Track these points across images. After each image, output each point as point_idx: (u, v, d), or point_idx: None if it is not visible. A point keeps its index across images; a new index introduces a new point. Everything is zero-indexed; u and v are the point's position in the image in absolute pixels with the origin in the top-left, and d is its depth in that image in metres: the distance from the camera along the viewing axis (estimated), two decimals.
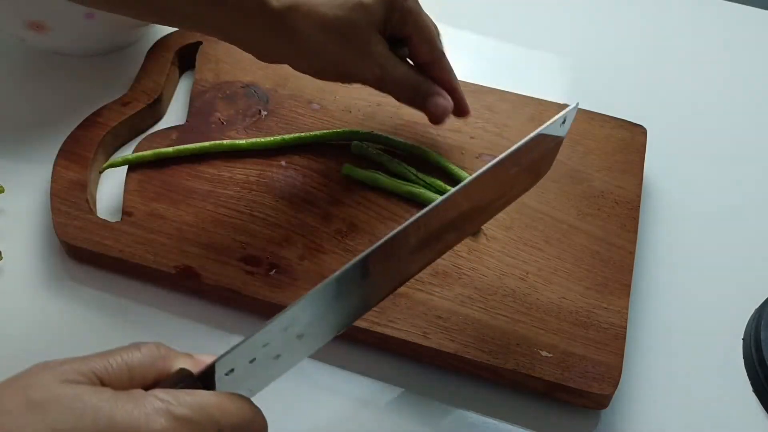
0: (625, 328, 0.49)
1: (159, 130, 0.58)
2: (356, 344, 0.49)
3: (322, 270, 0.51)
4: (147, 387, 0.33)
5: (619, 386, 0.46)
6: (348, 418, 0.47)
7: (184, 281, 0.50)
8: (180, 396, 0.32)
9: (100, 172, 0.56)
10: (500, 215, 0.54)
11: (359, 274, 0.38)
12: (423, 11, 0.52)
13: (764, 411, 0.48)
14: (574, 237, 0.53)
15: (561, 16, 0.74)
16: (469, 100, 0.61)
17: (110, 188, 0.56)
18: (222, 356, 0.34)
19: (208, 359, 0.34)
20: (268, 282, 0.50)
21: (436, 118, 0.54)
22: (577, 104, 0.46)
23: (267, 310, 0.50)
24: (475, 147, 0.58)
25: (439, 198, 0.40)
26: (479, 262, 0.51)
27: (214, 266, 0.50)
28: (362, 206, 0.54)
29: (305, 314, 0.37)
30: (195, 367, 0.34)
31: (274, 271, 0.50)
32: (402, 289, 0.50)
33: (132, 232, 0.52)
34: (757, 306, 0.53)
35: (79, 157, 0.55)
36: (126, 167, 0.56)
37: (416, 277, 0.50)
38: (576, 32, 0.73)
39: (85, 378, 0.32)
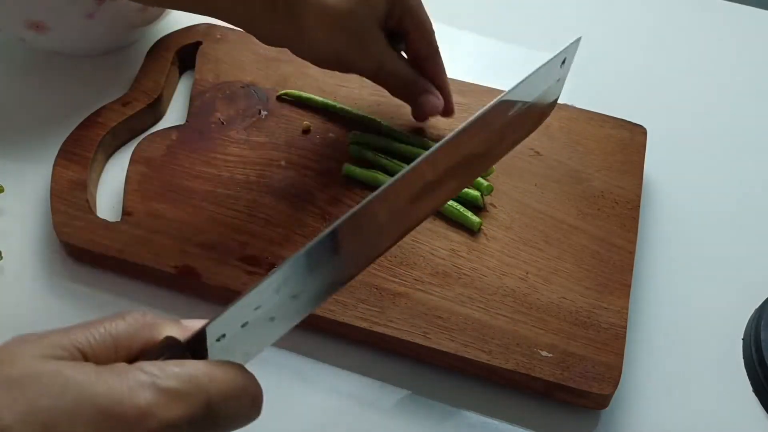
0: (625, 328, 0.49)
1: (159, 130, 0.58)
2: (356, 344, 0.49)
3: None
4: (133, 358, 0.32)
5: (619, 386, 0.46)
6: (348, 418, 0.47)
7: (184, 281, 0.50)
8: (166, 367, 0.30)
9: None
10: (500, 215, 0.54)
11: (358, 225, 0.36)
12: (422, 7, 0.53)
13: (764, 411, 0.48)
14: (574, 237, 0.53)
15: (561, 16, 0.74)
16: (469, 100, 0.61)
17: (110, 188, 0.56)
18: (211, 321, 0.32)
19: (197, 325, 0.33)
20: None
21: (423, 115, 0.56)
22: (579, 38, 0.45)
23: None
24: None
25: (449, 135, 0.39)
26: (479, 262, 0.51)
27: (214, 266, 0.50)
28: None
29: (298, 273, 0.34)
30: (183, 334, 0.33)
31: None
32: (402, 288, 0.50)
33: (132, 232, 0.52)
34: (757, 306, 0.53)
35: (79, 157, 0.55)
36: (126, 167, 0.56)
37: (416, 277, 0.50)
38: (576, 32, 0.73)
39: (66, 352, 0.30)
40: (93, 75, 0.63)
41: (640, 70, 0.69)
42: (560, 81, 0.48)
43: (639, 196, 0.56)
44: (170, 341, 0.32)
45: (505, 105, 0.42)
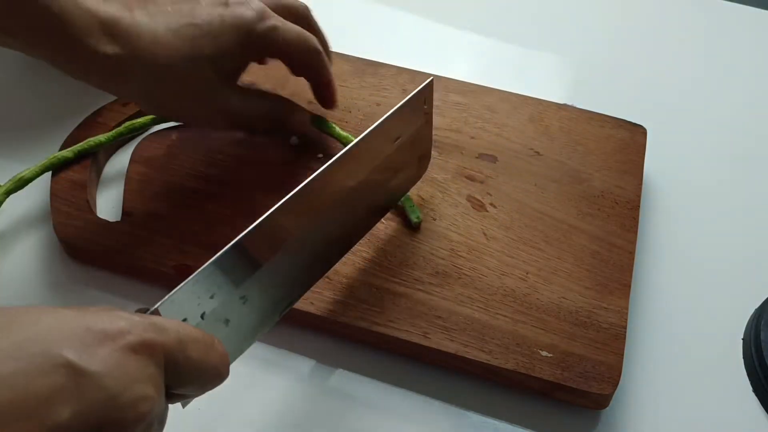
0: (625, 328, 0.49)
1: (159, 130, 0.59)
2: (356, 344, 0.49)
3: None
4: None
5: (619, 386, 0.46)
6: (348, 418, 0.47)
7: (183, 281, 0.50)
8: (143, 314, 0.34)
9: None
10: (500, 215, 0.54)
11: (241, 262, 0.40)
12: (285, 28, 0.49)
13: (764, 411, 0.48)
14: (574, 237, 0.53)
15: (561, 16, 0.74)
16: (469, 100, 0.61)
17: (110, 188, 0.56)
18: (165, 299, 0.36)
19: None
20: None
21: (296, 132, 0.56)
22: (432, 79, 0.48)
23: None
24: (475, 147, 0.58)
25: (310, 177, 0.42)
26: (479, 262, 0.51)
27: None
28: None
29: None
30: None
31: None
32: (402, 289, 0.50)
33: (132, 232, 0.52)
34: (757, 306, 0.53)
35: (80, 158, 0.55)
36: (126, 167, 0.56)
37: (416, 277, 0.50)
38: (576, 32, 0.73)
39: None
40: None
41: (640, 70, 0.69)
42: (428, 124, 0.51)
43: (639, 196, 0.56)
44: (141, 309, 0.35)
45: (373, 139, 0.46)
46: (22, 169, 0.54)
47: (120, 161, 0.58)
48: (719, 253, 0.56)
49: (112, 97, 0.59)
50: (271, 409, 0.47)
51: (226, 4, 0.48)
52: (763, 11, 0.75)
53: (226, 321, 0.39)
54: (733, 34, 0.73)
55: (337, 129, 0.57)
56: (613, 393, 0.46)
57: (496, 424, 0.47)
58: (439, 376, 0.48)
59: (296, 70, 0.54)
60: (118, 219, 0.53)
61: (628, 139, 0.59)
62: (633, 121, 0.60)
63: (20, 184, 0.53)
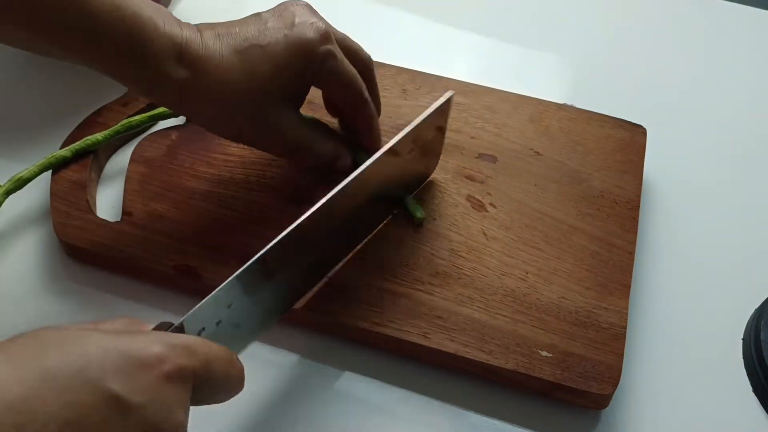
0: (625, 328, 0.49)
1: (159, 130, 0.59)
2: (356, 344, 0.49)
3: None
4: None
5: (619, 386, 0.46)
6: (347, 418, 0.47)
7: (183, 281, 0.50)
8: (170, 333, 0.35)
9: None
10: (500, 215, 0.54)
11: (259, 273, 0.42)
12: (343, 62, 0.50)
13: (764, 411, 0.48)
14: (574, 237, 0.53)
15: (561, 16, 0.74)
16: (469, 100, 0.61)
17: (110, 188, 0.56)
18: (190, 313, 0.38)
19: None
20: None
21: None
22: (452, 95, 0.50)
23: None
24: (475, 147, 0.58)
25: (330, 192, 0.44)
26: (479, 262, 0.51)
27: (214, 266, 0.50)
28: None
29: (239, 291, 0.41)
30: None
31: None
32: (402, 289, 0.50)
33: (132, 232, 0.52)
34: (757, 306, 0.53)
35: (79, 158, 0.55)
36: (126, 167, 0.56)
37: (416, 277, 0.50)
38: (576, 32, 0.73)
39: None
40: (93, 75, 0.63)
41: (640, 70, 0.69)
42: (442, 129, 0.53)
43: (639, 196, 0.56)
44: (165, 324, 0.37)
45: (391, 154, 0.48)
46: (22, 169, 0.54)
47: (120, 161, 0.58)
48: (719, 253, 0.56)
49: (112, 97, 0.59)
50: (270, 409, 0.47)
51: (293, 25, 0.48)
52: (763, 11, 0.75)
53: (237, 325, 0.41)
54: (733, 34, 0.73)
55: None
56: (613, 393, 0.46)
57: (496, 424, 0.47)
58: (439, 376, 0.48)
59: (343, 111, 0.54)
60: (118, 219, 0.53)
61: (628, 139, 0.59)
62: (633, 121, 0.60)
63: (19, 184, 0.53)
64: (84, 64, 0.47)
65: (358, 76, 0.51)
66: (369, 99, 0.52)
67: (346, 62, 0.50)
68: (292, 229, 0.42)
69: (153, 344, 0.33)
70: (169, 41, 0.45)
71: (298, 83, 0.50)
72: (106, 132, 0.56)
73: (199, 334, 0.39)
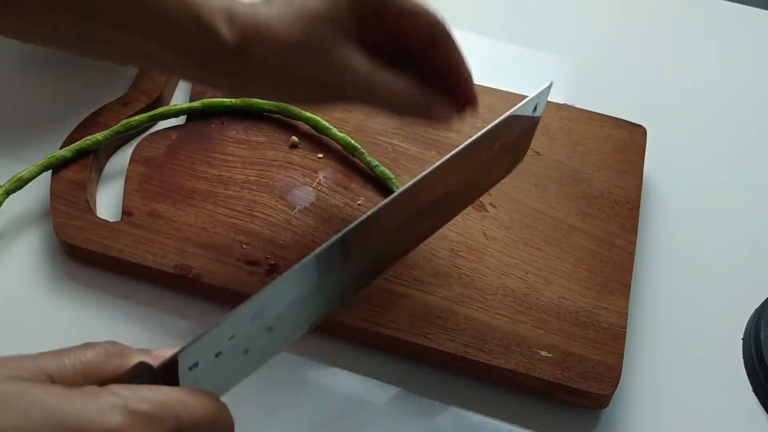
0: (625, 328, 0.49)
1: (159, 130, 0.58)
2: (356, 344, 0.49)
3: None
4: (102, 385, 0.30)
5: (619, 386, 0.46)
6: (347, 418, 0.47)
7: (184, 281, 0.50)
8: (138, 391, 0.29)
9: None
10: (500, 215, 0.54)
11: (337, 256, 0.36)
12: None
13: (764, 411, 0.48)
14: (574, 237, 0.53)
15: (561, 16, 0.74)
16: None
17: (110, 188, 0.56)
18: (184, 348, 0.31)
19: (168, 353, 0.32)
20: (268, 282, 0.50)
21: (439, 125, 0.49)
22: (551, 84, 0.44)
23: None
24: None
25: (412, 180, 0.39)
26: (479, 262, 0.51)
27: (214, 266, 0.50)
28: (363, 206, 0.54)
29: (275, 302, 0.34)
30: (154, 362, 0.31)
31: (274, 271, 0.50)
32: (402, 289, 0.50)
33: (132, 232, 0.52)
34: (757, 306, 0.53)
35: (79, 158, 0.55)
36: (126, 167, 0.56)
37: (416, 276, 0.50)
38: (576, 32, 0.73)
39: (33, 375, 0.29)
40: (93, 75, 0.63)
41: (640, 70, 0.69)
42: (533, 126, 0.48)
43: (639, 196, 0.56)
44: (142, 366, 0.31)
45: (477, 146, 0.42)
46: (22, 169, 0.54)
47: (120, 161, 0.58)
48: (719, 253, 0.56)
49: (112, 97, 0.59)
50: (270, 409, 0.47)
51: None
52: (763, 11, 0.75)
53: (246, 351, 0.35)
54: (733, 34, 0.73)
55: (335, 130, 0.57)
56: (613, 393, 0.46)
57: (496, 424, 0.47)
58: (439, 376, 0.48)
59: (418, 54, 0.45)
60: (118, 219, 0.53)
61: (628, 139, 0.59)
62: (633, 121, 0.60)
63: (19, 184, 0.53)
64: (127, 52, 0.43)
65: (425, 4, 0.43)
66: (446, 26, 0.44)
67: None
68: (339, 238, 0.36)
69: (109, 413, 0.28)
70: (218, 4, 0.41)
71: (355, 18, 0.43)
72: (106, 132, 0.56)
73: (191, 369, 0.32)
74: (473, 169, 0.45)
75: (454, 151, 0.41)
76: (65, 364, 0.30)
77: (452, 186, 0.44)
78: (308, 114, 0.58)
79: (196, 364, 0.32)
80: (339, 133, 0.57)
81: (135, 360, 0.31)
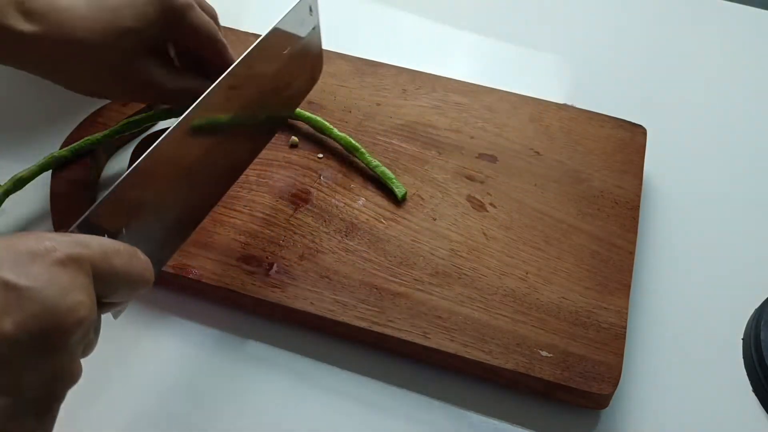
0: (625, 328, 0.49)
1: (159, 130, 0.58)
2: (356, 344, 0.49)
3: (321, 270, 0.50)
4: None
5: (619, 386, 0.46)
6: (347, 418, 0.47)
7: (183, 281, 0.50)
8: (65, 233, 0.35)
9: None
10: (500, 215, 0.54)
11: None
12: (201, 13, 0.50)
13: (764, 411, 0.48)
14: (574, 237, 0.53)
15: (561, 16, 0.74)
16: (469, 100, 0.61)
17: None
18: (83, 217, 0.38)
19: None
20: (268, 282, 0.50)
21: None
22: None
23: (267, 310, 0.50)
24: (475, 147, 0.58)
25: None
26: (479, 262, 0.51)
27: (214, 266, 0.50)
28: (363, 206, 0.54)
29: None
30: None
31: (274, 271, 0.50)
32: (402, 289, 0.50)
33: None
34: (757, 306, 0.53)
35: (79, 157, 0.55)
36: (126, 167, 0.56)
37: (416, 276, 0.50)
38: (576, 32, 0.73)
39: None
40: None
41: (640, 70, 0.69)
42: (316, 29, 0.53)
43: (639, 196, 0.56)
44: (84, 222, 0.37)
45: (267, 45, 0.48)
46: (22, 169, 0.54)
47: (120, 161, 0.58)
48: (719, 253, 0.56)
49: None
50: (269, 409, 0.47)
51: None
52: (763, 11, 0.75)
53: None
54: (733, 34, 0.73)
55: (336, 131, 0.57)
56: (613, 393, 0.46)
57: (496, 424, 0.47)
58: (439, 376, 0.48)
59: (200, 58, 0.52)
60: None
61: (628, 139, 0.59)
62: (633, 121, 0.60)
63: (18, 184, 0.53)
64: None
65: (211, 21, 0.50)
66: (225, 41, 0.51)
67: (202, 13, 0.50)
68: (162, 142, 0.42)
69: (44, 239, 0.34)
70: None
71: (160, 34, 0.49)
72: (106, 132, 0.56)
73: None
74: (268, 78, 0.50)
75: (239, 59, 0.46)
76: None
77: (250, 98, 0.49)
78: (309, 114, 0.58)
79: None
80: (339, 133, 0.57)
81: None
